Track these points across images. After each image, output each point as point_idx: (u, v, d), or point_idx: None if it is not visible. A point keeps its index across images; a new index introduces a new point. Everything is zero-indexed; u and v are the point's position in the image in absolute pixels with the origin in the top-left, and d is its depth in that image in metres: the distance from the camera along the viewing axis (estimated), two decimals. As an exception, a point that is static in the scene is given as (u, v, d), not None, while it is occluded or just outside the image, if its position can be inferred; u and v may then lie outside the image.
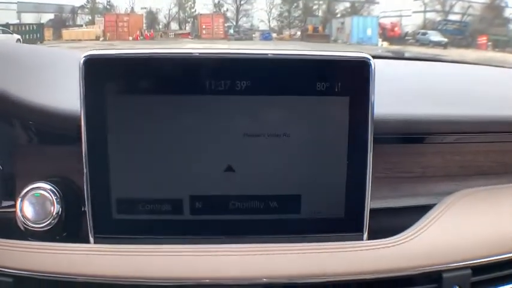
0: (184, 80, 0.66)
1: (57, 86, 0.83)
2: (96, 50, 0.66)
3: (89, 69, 0.65)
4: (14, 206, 0.79)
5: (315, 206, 0.71)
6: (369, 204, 0.71)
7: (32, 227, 0.72)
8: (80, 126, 0.66)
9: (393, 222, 0.80)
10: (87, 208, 0.69)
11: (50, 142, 0.82)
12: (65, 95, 0.79)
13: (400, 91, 0.92)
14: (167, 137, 0.67)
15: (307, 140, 0.69)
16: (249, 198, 0.70)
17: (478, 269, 0.72)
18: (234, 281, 0.67)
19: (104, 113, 0.66)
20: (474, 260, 0.72)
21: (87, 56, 0.65)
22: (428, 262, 0.70)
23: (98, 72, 0.65)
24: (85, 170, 0.67)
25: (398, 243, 0.71)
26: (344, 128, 0.68)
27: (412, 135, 0.85)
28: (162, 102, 0.66)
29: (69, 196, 0.76)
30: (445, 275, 0.70)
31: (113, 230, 0.70)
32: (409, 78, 1.12)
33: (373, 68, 0.67)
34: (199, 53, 0.67)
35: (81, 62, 0.64)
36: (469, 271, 0.71)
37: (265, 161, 0.69)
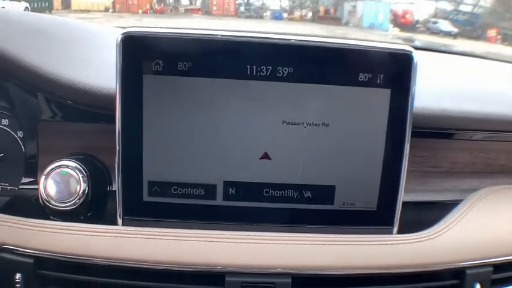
0: (224, 63, 0.64)
1: (88, 61, 0.81)
2: (135, 27, 0.65)
3: (127, 46, 0.63)
4: (35, 183, 0.78)
5: (349, 197, 0.70)
6: (401, 198, 0.70)
7: (56, 206, 0.71)
8: (114, 104, 0.65)
9: (419, 216, 0.81)
10: (117, 189, 0.67)
11: (76, 118, 0.80)
12: (95, 70, 0.78)
13: (432, 85, 0.90)
14: (204, 121, 0.66)
15: (346, 131, 0.67)
16: (283, 187, 0.69)
17: (499, 267, 0.72)
18: (263, 270, 0.66)
19: (139, 92, 0.64)
20: (496, 257, 0.72)
21: (126, 33, 0.63)
22: (454, 258, 0.70)
23: (135, 50, 0.63)
24: (118, 150, 0.66)
25: (426, 238, 0.70)
26: (383, 121, 0.67)
27: (443, 130, 0.84)
28: (201, 85, 0.65)
29: (95, 175, 0.75)
30: (468, 271, 0.70)
31: (142, 213, 0.68)
32: (442, 71, 1.11)
33: (415, 61, 0.66)
34: (242, 36, 0.65)
35: (119, 39, 0.63)
36: (491, 268, 0.71)
37: (302, 150, 0.68)
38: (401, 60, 0.66)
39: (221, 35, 0.65)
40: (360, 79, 0.65)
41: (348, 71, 0.66)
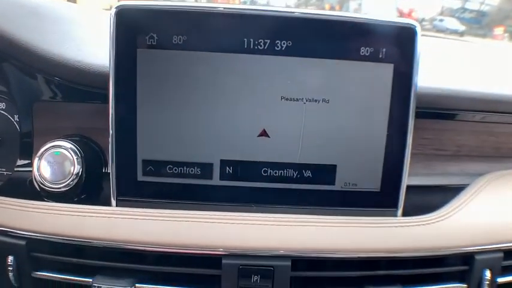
0: (220, 36, 0.63)
1: (83, 40, 0.80)
2: (128, 1, 0.63)
3: (121, 20, 0.61)
4: (30, 165, 0.77)
5: (351, 177, 0.68)
6: (406, 179, 0.68)
7: (50, 187, 0.70)
8: (107, 80, 0.63)
9: (425, 199, 0.79)
10: (111, 169, 0.66)
11: (72, 99, 0.78)
12: (90, 49, 0.76)
13: (437, 66, 0.89)
14: (199, 97, 0.64)
15: (347, 107, 0.65)
16: (282, 166, 0.67)
17: (509, 253, 0.70)
18: (261, 252, 0.64)
19: (134, 67, 0.62)
20: (506, 243, 0.70)
21: (120, 6, 0.61)
22: (461, 243, 0.68)
23: (129, 23, 0.62)
24: (110, 127, 0.64)
25: (432, 221, 0.68)
26: (386, 97, 0.65)
27: (448, 110, 0.82)
28: (196, 59, 0.63)
29: (90, 156, 0.74)
30: (477, 257, 0.68)
31: (136, 193, 0.67)
32: (447, 54, 1.09)
33: (419, 35, 0.64)
34: (239, 9, 0.63)
35: (113, 13, 0.61)
36: (501, 254, 0.69)
37: (302, 128, 0.66)
38: (404, 34, 0.64)
39: (217, 8, 0.63)
40: (361, 53, 0.63)
41: (349, 44, 0.64)
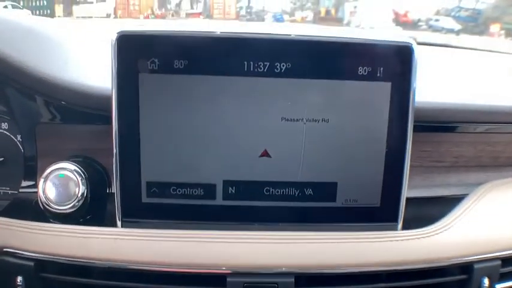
0: (221, 60, 0.63)
1: (84, 62, 0.81)
2: (129, 27, 0.64)
3: (122, 46, 0.62)
4: (35, 186, 0.78)
5: (351, 194, 0.69)
6: (405, 193, 0.69)
7: (55, 208, 0.71)
8: (110, 104, 0.64)
9: (425, 211, 0.80)
10: (116, 191, 0.67)
11: (74, 120, 0.79)
12: (92, 71, 0.77)
13: (434, 78, 0.90)
14: (202, 119, 0.65)
15: (347, 126, 0.66)
16: (284, 185, 0.68)
17: (507, 260, 0.72)
18: (265, 270, 0.65)
19: (136, 92, 0.63)
20: (504, 251, 0.71)
21: (121, 33, 0.62)
22: (461, 253, 0.69)
23: (131, 49, 0.63)
24: (115, 151, 0.65)
25: (432, 233, 0.69)
26: (384, 115, 0.66)
27: (446, 123, 0.83)
28: (198, 83, 0.64)
29: (94, 177, 0.74)
30: (476, 266, 0.69)
31: (141, 214, 0.68)
32: (444, 65, 1.11)
33: (416, 54, 0.65)
34: (238, 33, 0.64)
35: (114, 39, 0.62)
36: (499, 262, 0.71)
37: (302, 147, 0.67)
38: (401, 52, 0.65)
39: (217, 32, 0.64)
40: (359, 73, 0.64)
41: (347, 65, 0.65)
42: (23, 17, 0.93)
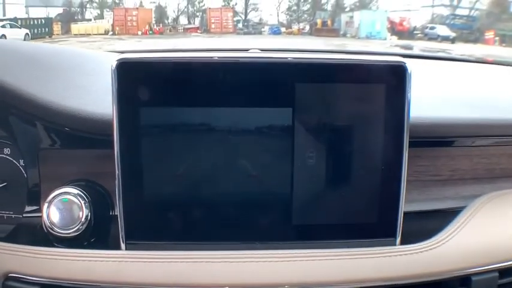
0: (221, 91, 0.65)
1: (85, 88, 0.82)
2: (129, 53, 0.65)
3: (122, 73, 0.63)
4: (38, 211, 0.78)
5: (349, 211, 0.70)
6: (403, 209, 0.70)
7: (60, 233, 0.71)
8: (112, 130, 0.65)
9: (422, 225, 0.80)
10: (119, 214, 0.67)
11: (76, 145, 0.81)
12: (93, 97, 0.78)
13: (429, 93, 0.91)
14: (200, 143, 0.66)
15: (343, 144, 0.68)
16: (281, 204, 0.69)
17: (504, 272, 0.72)
18: (265, 287, 0.66)
19: (136, 116, 0.65)
20: (501, 263, 0.72)
21: (120, 60, 0.63)
22: (459, 266, 0.70)
23: (131, 76, 0.64)
24: (117, 174, 0.66)
25: (430, 248, 0.70)
26: (380, 133, 0.67)
27: (443, 138, 0.84)
28: (197, 112, 0.66)
29: (97, 200, 0.75)
30: (474, 278, 0.70)
31: (145, 236, 0.69)
32: (438, 79, 1.12)
33: (409, 72, 0.66)
34: (240, 57, 0.66)
35: (114, 66, 0.63)
36: (496, 274, 0.71)
37: (296, 167, 0.68)
38: (395, 71, 0.66)
39: (214, 58, 0.65)
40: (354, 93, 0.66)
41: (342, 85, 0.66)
42: (23, 44, 0.94)
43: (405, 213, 0.71)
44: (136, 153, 0.66)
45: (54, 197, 0.72)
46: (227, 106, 0.66)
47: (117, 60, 0.63)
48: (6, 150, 0.85)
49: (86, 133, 0.76)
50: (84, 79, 0.86)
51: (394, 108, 0.67)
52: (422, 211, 0.87)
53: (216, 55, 0.65)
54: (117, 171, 0.66)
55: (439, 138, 0.84)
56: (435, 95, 0.92)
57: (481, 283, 0.70)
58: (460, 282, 0.71)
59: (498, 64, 1.37)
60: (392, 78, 0.66)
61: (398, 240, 0.71)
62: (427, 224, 0.80)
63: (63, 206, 0.72)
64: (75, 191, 0.73)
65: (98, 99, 0.77)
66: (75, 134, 0.76)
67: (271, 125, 0.66)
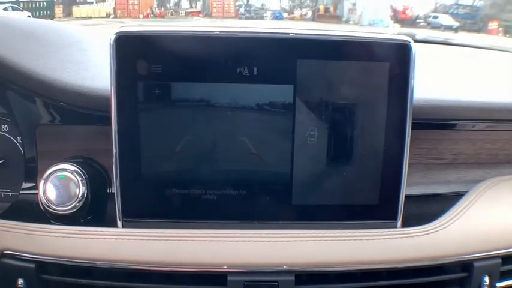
0: (216, 66, 0.64)
1: (83, 64, 0.81)
2: (127, 26, 0.64)
3: (120, 46, 0.62)
4: (35, 188, 0.78)
5: (349, 192, 0.69)
6: (404, 191, 0.69)
7: (56, 210, 0.71)
8: (109, 105, 0.64)
9: (424, 209, 0.80)
10: (116, 191, 0.67)
11: (73, 121, 0.79)
12: (90, 73, 0.77)
13: (433, 76, 0.90)
14: (200, 120, 0.65)
15: (345, 125, 0.67)
16: (281, 183, 0.68)
17: (507, 258, 0.72)
18: (265, 268, 0.65)
19: (135, 91, 0.64)
20: (504, 249, 0.71)
21: (119, 32, 0.62)
22: (460, 251, 0.69)
23: (129, 49, 0.63)
24: (114, 152, 0.65)
25: (432, 231, 0.70)
26: (382, 114, 0.66)
27: (444, 121, 0.83)
28: (194, 87, 0.65)
29: (94, 177, 0.74)
30: (476, 264, 0.69)
31: (141, 214, 0.68)
32: (443, 63, 1.11)
33: (414, 51, 0.65)
34: (236, 33, 0.64)
35: (112, 38, 0.62)
36: (499, 260, 0.71)
37: (297, 147, 0.67)
38: (400, 50, 0.65)
39: (216, 32, 0.64)
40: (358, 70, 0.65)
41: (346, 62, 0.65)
42: (22, 20, 0.93)
43: (407, 197, 0.70)
44: (134, 129, 0.65)
45: (50, 174, 0.72)
46: (227, 82, 0.64)
47: (115, 34, 0.62)
48: (4, 127, 0.85)
49: (83, 109, 0.75)
50: (82, 55, 0.85)
51: (398, 88, 0.66)
52: (424, 194, 0.86)
53: (217, 29, 0.64)
54: (114, 148, 0.65)
55: (441, 121, 0.83)
56: (438, 77, 0.91)
57: (483, 269, 0.70)
58: (462, 267, 0.71)
59: (501, 50, 1.36)
60: (397, 57, 0.65)
61: (399, 223, 0.70)
62: (429, 208, 0.80)
63: (59, 183, 0.71)
64: (71, 167, 0.72)
65: (96, 74, 0.76)
66: (73, 109, 0.75)
67: (272, 102, 0.65)
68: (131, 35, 0.63)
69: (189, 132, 0.65)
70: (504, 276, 0.72)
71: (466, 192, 0.80)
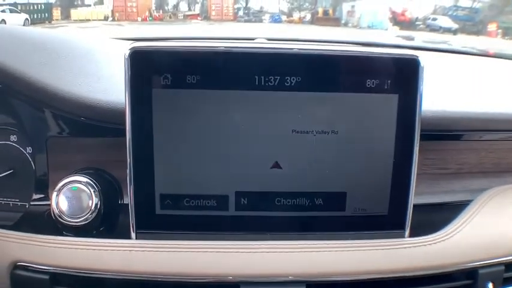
0: (232, 74, 0.65)
1: (94, 75, 0.82)
2: (141, 42, 0.65)
3: (135, 62, 0.63)
4: (46, 199, 0.79)
5: (360, 203, 0.70)
6: (412, 202, 0.70)
7: (68, 221, 0.71)
8: (124, 118, 0.65)
9: (430, 217, 0.82)
10: (130, 203, 0.67)
11: (85, 133, 0.80)
12: (101, 85, 0.78)
13: (437, 85, 0.91)
14: (214, 133, 0.66)
15: (355, 137, 0.67)
16: (295, 195, 0.69)
17: (510, 265, 0.73)
18: (276, 278, 0.66)
19: (149, 106, 0.64)
20: (507, 256, 0.73)
21: (133, 48, 0.63)
22: (466, 259, 0.71)
23: (143, 65, 0.64)
24: (129, 164, 0.66)
25: (439, 240, 0.71)
26: (392, 126, 0.67)
27: (451, 132, 0.84)
28: (210, 97, 0.65)
29: (106, 188, 0.75)
30: (481, 271, 0.71)
31: (155, 226, 0.69)
32: (448, 72, 1.12)
33: (422, 66, 0.66)
34: (249, 48, 0.65)
35: (127, 54, 0.63)
36: (502, 267, 0.72)
37: (313, 158, 0.68)
38: (408, 65, 0.66)
39: (228, 47, 0.65)
40: (367, 85, 0.65)
41: (355, 78, 0.66)
42: (33, 31, 0.94)
43: (413, 206, 0.71)
44: (148, 142, 0.65)
45: (63, 186, 0.72)
46: (243, 90, 0.65)
47: (130, 49, 0.63)
48: (13, 137, 0.85)
49: (95, 121, 0.75)
50: (93, 66, 0.86)
51: (407, 102, 0.67)
52: (430, 204, 0.87)
53: (223, 45, 0.65)
54: (128, 159, 0.66)
55: (447, 132, 0.84)
56: (443, 88, 0.92)
57: (487, 276, 0.71)
58: (466, 274, 0.72)
59: (505, 58, 1.37)
60: (405, 73, 0.66)
61: (407, 232, 0.71)
62: (435, 217, 0.82)
63: (72, 195, 0.72)
64: (84, 179, 0.73)
65: (108, 87, 0.77)
66: (84, 121, 0.76)
67: (286, 111, 0.66)
68: (145, 50, 0.64)
69: (203, 144, 0.66)
70: (507, 282, 0.73)
71: (470, 200, 0.81)
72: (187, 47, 0.65)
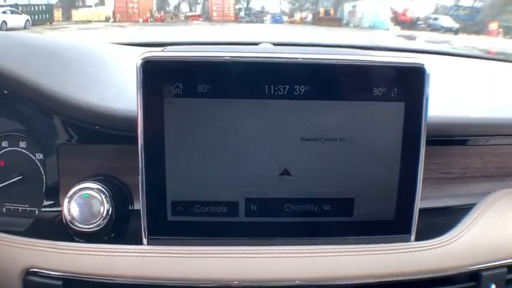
0: (242, 84, 0.66)
1: (104, 83, 0.83)
2: (152, 51, 0.66)
3: (147, 71, 0.64)
4: (56, 205, 0.80)
5: (367, 209, 0.71)
6: (418, 207, 0.71)
7: (80, 227, 0.72)
8: (136, 126, 0.66)
9: (435, 221, 0.82)
10: (142, 209, 0.68)
11: (95, 140, 0.81)
12: (112, 93, 0.79)
13: (444, 91, 0.92)
14: (224, 140, 0.67)
15: (363, 144, 0.69)
16: (303, 202, 0.70)
17: None
18: (284, 283, 0.68)
19: (160, 114, 0.65)
20: (510, 258, 0.74)
21: (145, 58, 0.64)
22: (470, 262, 0.72)
23: (155, 74, 0.65)
24: (141, 171, 0.67)
25: (443, 244, 0.72)
26: (398, 133, 0.68)
27: (456, 137, 0.86)
28: (220, 106, 0.66)
29: (117, 195, 0.76)
30: (484, 273, 0.72)
31: (166, 232, 0.70)
32: (451, 76, 1.13)
33: (428, 73, 0.67)
34: (259, 57, 0.66)
35: (139, 64, 0.64)
36: (505, 269, 0.73)
37: (321, 165, 0.69)
38: (414, 73, 0.67)
39: (238, 57, 0.66)
40: (374, 94, 0.67)
41: (363, 86, 0.67)
42: (43, 39, 0.95)
43: (419, 210, 0.72)
44: (159, 149, 0.66)
45: (75, 192, 0.73)
46: (253, 98, 0.66)
47: (142, 59, 0.64)
48: (22, 144, 0.86)
49: (106, 129, 0.77)
50: (104, 74, 0.87)
51: (413, 110, 0.68)
52: (434, 208, 0.88)
53: (233, 54, 0.66)
54: (140, 167, 0.67)
55: (452, 137, 0.85)
56: (448, 92, 0.93)
57: (490, 278, 0.72)
58: (470, 277, 0.73)
59: (510, 62, 1.38)
60: (411, 81, 0.67)
61: (413, 236, 0.72)
62: (440, 220, 0.82)
63: (83, 201, 0.73)
64: (95, 185, 0.74)
65: (119, 95, 0.78)
66: (95, 129, 0.77)
67: (295, 119, 0.67)
68: (157, 60, 0.65)
69: (214, 150, 0.67)
70: (509, 284, 0.75)
71: (474, 204, 0.82)
72: (198, 56, 0.66)
